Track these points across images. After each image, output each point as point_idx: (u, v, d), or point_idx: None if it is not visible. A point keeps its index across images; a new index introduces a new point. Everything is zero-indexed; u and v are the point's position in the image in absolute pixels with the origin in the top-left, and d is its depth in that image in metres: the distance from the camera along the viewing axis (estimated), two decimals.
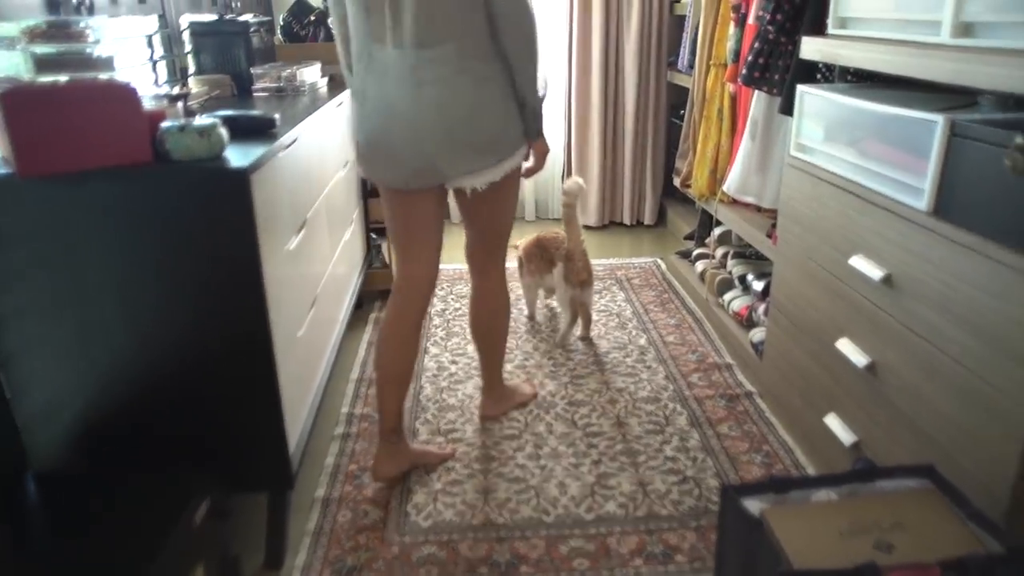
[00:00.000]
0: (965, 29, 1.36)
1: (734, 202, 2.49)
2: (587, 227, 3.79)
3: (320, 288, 1.89)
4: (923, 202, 1.36)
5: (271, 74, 2.29)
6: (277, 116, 1.60)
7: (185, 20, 2.37)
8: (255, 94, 2.28)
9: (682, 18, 3.54)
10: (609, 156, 3.71)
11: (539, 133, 1.65)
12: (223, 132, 1.30)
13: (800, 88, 1.83)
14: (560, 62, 3.64)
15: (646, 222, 3.81)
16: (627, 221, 3.81)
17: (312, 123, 1.89)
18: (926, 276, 1.36)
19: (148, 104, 1.36)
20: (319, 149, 1.99)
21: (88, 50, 1.24)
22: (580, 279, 2.30)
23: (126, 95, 1.21)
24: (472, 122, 1.51)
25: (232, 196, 1.25)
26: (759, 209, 2.37)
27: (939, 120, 1.34)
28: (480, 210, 1.72)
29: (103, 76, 1.25)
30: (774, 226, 2.17)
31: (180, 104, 1.39)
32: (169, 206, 1.24)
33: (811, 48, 1.79)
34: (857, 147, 1.63)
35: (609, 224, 3.84)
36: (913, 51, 1.42)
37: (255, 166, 1.30)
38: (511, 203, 1.76)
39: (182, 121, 1.27)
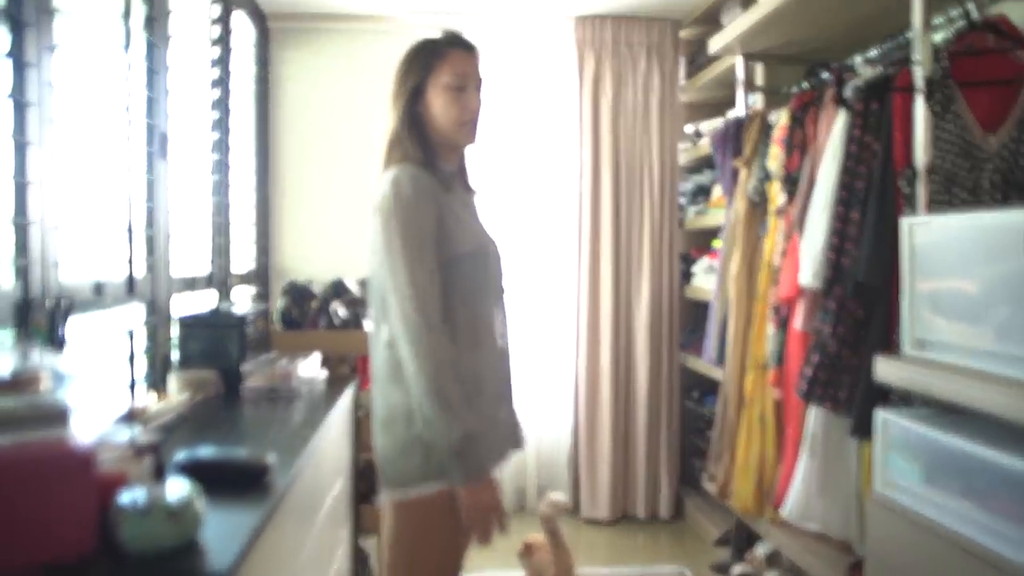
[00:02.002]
0: None
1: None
2: (597, 522, 3.38)
3: None
4: None
5: (264, 371, 2.03)
6: (271, 460, 1.29)
7: (177, 303, 2.16)
8: (244, 395, 2.00)
9: (692, 301, 3.48)
10: (620, 442, 3.41)
11: (460, 479, 1.32)
12: (200, 507, 0.98)
13: (883, 415, 1.59)
14: (569, 342, 3.48)
15: (662, 516, 3.42)
16: (641, 514, 3.41)
17: (313, 449, 1.58)
18: None
19: (106, 454, 1.06)
20: (314, 479, 1.66)
21: (39, 401, 0.95)
22: None
23: (70, 466, 0.91)
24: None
25: None
26: (820, 536, 2.02)
27: None
28: None
29: (51, 434, 0.95)
30: (853, 568, 1.82)
31: (149, 459, 1.08)
32: None
33: (889, 372, 1.58)
34: (977, 502, 1.35)
35: (622, 518, 3.43)
36: None
37: (242, 555, 0.96)
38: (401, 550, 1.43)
39: (147, 495, 0.95)
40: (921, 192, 1.66)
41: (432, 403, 1.30)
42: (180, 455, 1.31)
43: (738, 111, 2.69)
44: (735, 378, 2.46)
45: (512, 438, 1.55)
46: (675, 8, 3.35)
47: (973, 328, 1.45)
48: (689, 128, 3.45)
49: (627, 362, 3.43)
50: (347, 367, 2.47)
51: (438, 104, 1.47)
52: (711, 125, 3.07)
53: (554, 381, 3.54)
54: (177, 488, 1.02)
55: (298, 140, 3.51)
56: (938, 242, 1.52)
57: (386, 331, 1.43)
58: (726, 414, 2.53)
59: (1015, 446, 1.30)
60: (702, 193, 3.34)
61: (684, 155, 3.45)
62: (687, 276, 3.41)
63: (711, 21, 3.00)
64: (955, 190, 1.66)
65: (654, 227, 3.41)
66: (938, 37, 1.81)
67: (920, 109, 1.66)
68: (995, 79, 1.70)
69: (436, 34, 1.55)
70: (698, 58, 3.33)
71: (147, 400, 1.74)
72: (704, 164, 3.37)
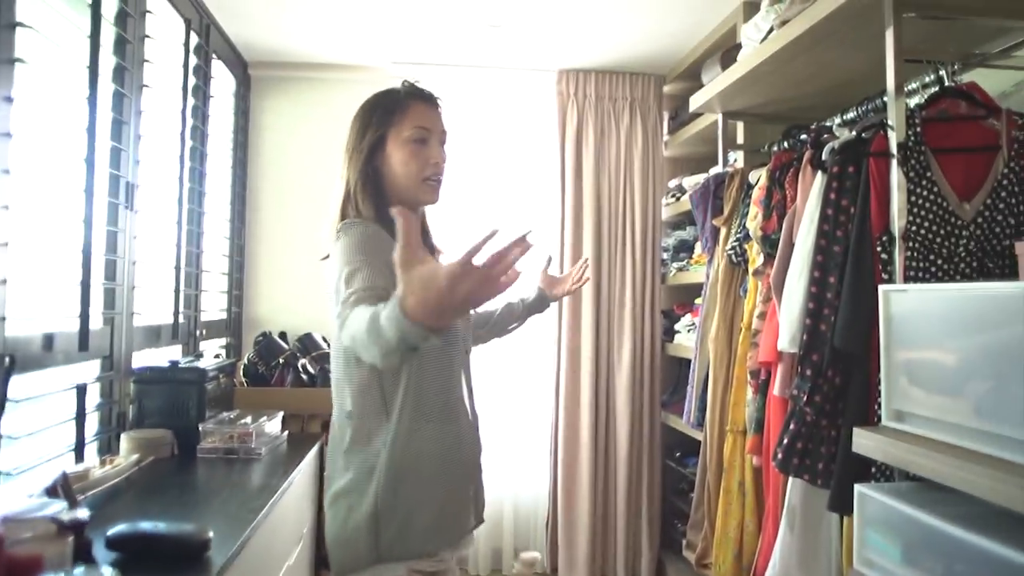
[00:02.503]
0: None
1: None
2: None
3: None
4: None
5: (222, 431, 1.95)
6: (210, 533, 1.21)
7: (139, 358, 2.09)
8: (200, 455, 1.92)
9: (674, 359, 3.42)
10: (599, 503, 3.31)
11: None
12: None
13: (860, 489, 1.52)
14: (547, 399, 3.40)
15: None
16: None
17: (266, 518, 1.50)
18: None
19: (21, 533, 0.98)
20: (267, 548, 1.57)
21: None
22: None
23: None
24: None
25: None
26: None
27: None
28: None
29: None
30: None
31: (70, 540, 1.00)
32: None
33: (867, 444, 1.51)
34: None
35: None
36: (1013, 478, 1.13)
37: None
38: None
39: None
40: (898, 259, 1.63)
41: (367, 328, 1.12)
42: (115, 528, 1.24)
43: (719, 168, 2.67)
44: (715, 443, 2.38)
45: (471, 514, 1.47)
46: (659, 64, 3.38)
47: (951, 401, 1.39)
48: (673, 183, 3.44)
49: (607, 420, 3.35)
50: (318, 425, 2.39)
51: (398, 159, 1.42)
52: (693, 181, 3.05)
53: (532, 439, 3.45)
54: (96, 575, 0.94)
55: (277, 189, 3.48)
56: (915, 311, 1.48)
57: (343, 395, 1.36)
58: (705, 480, 2.45)
59: (1000, 528, 1.23)
60: (685, 249, 3.31)
61: (667, 210, 3.43)
62: (669, 333, 3.36)
63: (694, 77, 3.01)
64: (932, 257, 1.62)
65: (636, 283, 3.37)
66: (914, 102, 1.80)
67: (895, 174, 1.63)
68: (969, 146, 1.68)
69: (396, 84, 1.50)
70: (681, 113, 3.34)
71: (91, 464, 1.66)
72: (687, 220, 3.35)
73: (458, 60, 3.36)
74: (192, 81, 2.59)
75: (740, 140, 2.74)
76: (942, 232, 1.63)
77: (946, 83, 1.75)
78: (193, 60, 2.60)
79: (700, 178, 2.89)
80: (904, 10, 1.67)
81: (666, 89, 3.52)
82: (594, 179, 3.39)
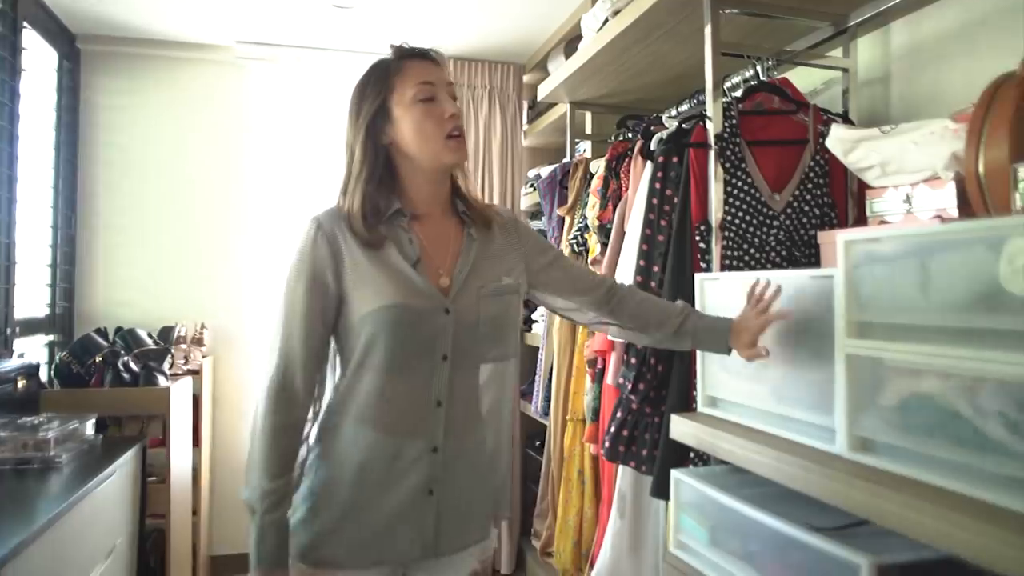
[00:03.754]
0: (863, 444, 1.15)
1: None
2: None
3: None
4: None
5: (16, 438, 1.76)
6: None
7: None
8: None
9: (533, 349, 3.43)
10: None
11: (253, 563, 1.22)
12: None
13: (675, 475, 1.55)
14: None
15: (503, 571, 3.29)
16: None
17: (57, 534, 1.35)
18: None
19: None
20: (53, 566, 1.42)
21: None
22: None
23: None
24: None
25: None
26: None
27: (862, 563, 1.05)
28: None
29: None
30: None
31: None
32: None
33: (683, 431, 1.54)
34: (752, 563, 1.32)
35: None
36: (811, 466, 1.17)
37: None
38: None
39: None
40: (715, 248, 1.67)
41: (249, 468, 1.22)
42: None
43: (568, 159, 2.68)
44: (558, 432, 2.39)
45: (412, 539, 1.27)
46: (518, 52, 3.36)
47: (755, 387, 1.44)
48: (532, 172, 3.44)
49: None
50: (136, 427, 2.22)
51: (409, 124, 1.26)
52: (548, 171, 3.05)
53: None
54: None
55: (116, 174, 3.22)
56: (725, 299, 1.52)
57: None
58: (550, 470, 2.46)
59: (795, 506, 1.28)
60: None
61: (526, 200, 3.42)
62: (528, 323, 3.36)
63: None
64: (745, 246, 1.68)
65: None
66: (737, 95, 1.85)
67: (712, 165, 1.67)
68: (781, 139, 1.74)
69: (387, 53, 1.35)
70: (539, 103, 3.34)
71: None
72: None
73: (307, 42, 3.21)
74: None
75: (588, 130, 2.76)
76: (755, 222, 1.68)
77: (761, 78, 1.81)
78: None
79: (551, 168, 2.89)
80: (722, 6, 1.71)
81: (526, 78, 3.50)
82: None
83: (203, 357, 3.06)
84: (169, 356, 2.51)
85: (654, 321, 1.45)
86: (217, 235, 3.33)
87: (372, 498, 1.25)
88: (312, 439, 1.30)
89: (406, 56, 1.32)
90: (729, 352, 1.40)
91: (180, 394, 2.56)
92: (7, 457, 1.73)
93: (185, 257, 3.28)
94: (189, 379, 2.81)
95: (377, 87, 1.29)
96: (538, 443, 3.32)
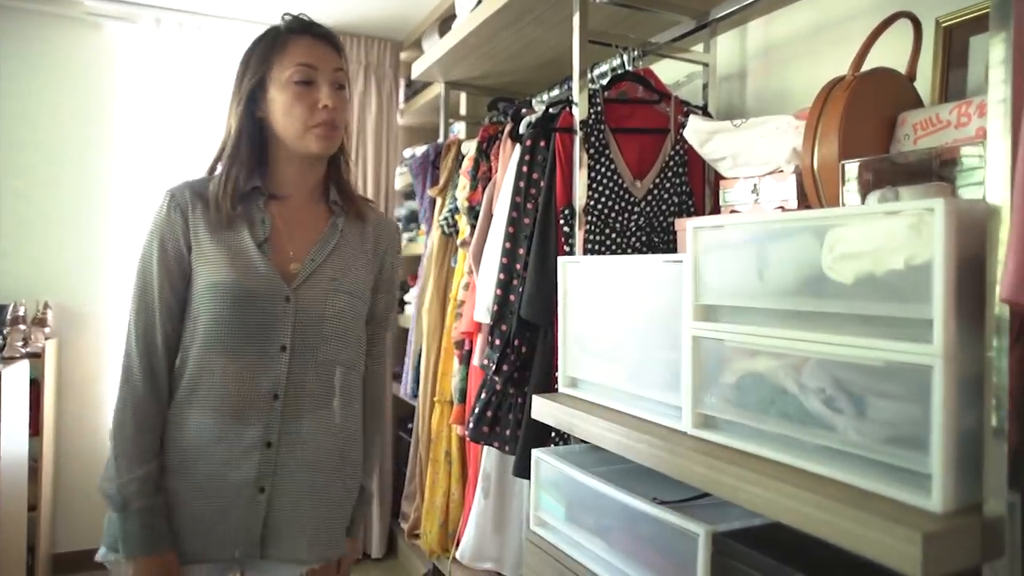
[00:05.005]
0: (705, 421, 1.21)
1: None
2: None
3: None
4: None
5: None
6: None
7: None
8: None
9: (406, 331, 3.39)
10: None
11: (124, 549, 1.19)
12: None
13: (535, 454, 1.58)
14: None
15: (373, 555, 3.26)
16: None
17: None
18: None
19: None
20: None
21: None
22: None
23: None
24: None
25: None
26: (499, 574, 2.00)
27: (700, 532, 1.12)
28: None
29: None
30: None
31: None
32: None
33: (543, 411, 1.57)
34: (605, 537, 1.37)
35: None
36: (658, 443, 1.22)
37: None
38: None
39: None
40: (578, 232, 1.70)
41: (115, 456, 1.18)
42: None
43: (441, 139, 2.65)
44: (426, 414, 2.39)
45: (236, 538, 1.21)
46: (396, 29, 3.28)
47: (612, 367, 1.49)
48: (407, 152, 3.38)
49: None
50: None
51: (280, 105, 1.23)
52: (422, 151, 3.02)
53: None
54: None
55: None
56: (586, 282, 1.55)
57: None
58: (418, 452, 2.45)
59: (644, 482, 1.33)
60: (414, 220, 3.28)
61: (400, 179, 3.37)
62: (401, 304, 3.32)
63: None
64: (607, 231, 1.72)
65: None
66: (604, 83, 1.89)
67: (578, 151, 1.70)
68: (643, 128, 1.80)
69: (279, 21, 1.28)
70: (416, 82, 3.28)
71: None
72: None
73: (171, 3, 2.99)
74: None
75: (463, 111, 2.75)
76: (617, 207, 1.73)
77: (627, 67, 1.85)
78: None
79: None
80: None
81: (403, 56, 3.44)
82: None
83: (45, 339, 2.81)
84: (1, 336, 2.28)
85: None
86: (67, 207, 3.06)
87: (200, 488, 1.20)
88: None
89: (295, 31, 1.27)
90: None
91: (13, 379, 2.34)
92: None
93: (27, 229, 3.00)
94: (26, 363, 2.58)
95: (259, 60, 1.26)
96: (409, 425, 3.30)
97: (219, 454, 1.20)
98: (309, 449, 1.25)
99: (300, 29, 1.27)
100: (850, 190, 1.17)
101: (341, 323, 1.27)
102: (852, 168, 1.16)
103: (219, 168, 1.28)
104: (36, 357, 2.68)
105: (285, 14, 1.30)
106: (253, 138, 1.26)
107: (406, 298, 3.25)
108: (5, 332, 2.43)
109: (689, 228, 1.23)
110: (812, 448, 0.99)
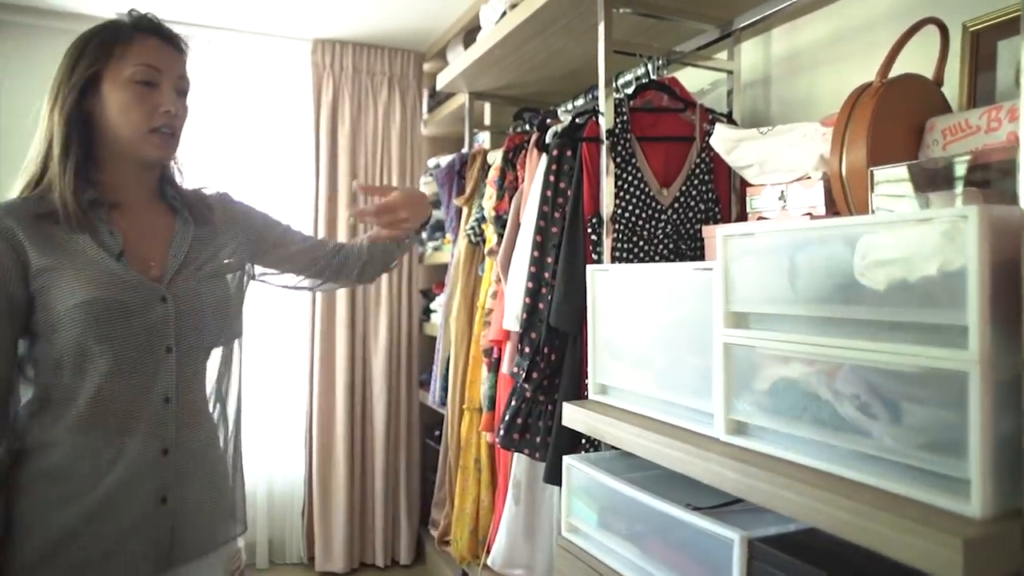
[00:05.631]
0: (737, 427, 1.22)
1: None
2: (332, 575, 3.17)
3: None
4: None
5: None
6: None
7: None
8: None
9: (433, 339, 3.42)
10: (357, 487, 3.24)
11: None
12: None
13: (567, 460, 1.59)
14: (301, 385, 3.26)
15: (402, 562, 3.29)
16: (380, 563, 3.25)
17: None
18: None
19: None
20: None
21: None
22: None
23: None
24: None
25: None
26: None
27: (735, 538, 1.12)
28: None
29: None
30: None
31: None
32: None
33: (574, 417, 1.59)
34: (637, 543, 1.38)
35: (360, 567, 3.25)
36: (690, 449, 1.23)
37: None
38: None
39: None
40: (606, 240, 1.72)
41: None
42: None
43: (466, 149, 2.69)
44: (455, 421, 2.41)
45: (145, 555, 1.16)
46: (418, 40, 3.32)
47: (642, 374, 1.50)
48: (431, 162, 3.43)
49: (363, 403, 3.28)
50: None
51: (116, 104, 1.15)
52: (447, 160, 3.05)
53: (285, 427, 3.29)
54: None
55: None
56: (615, 290, 1.57)
57: None
58: (447, 459, 2.48)
59: (677, 488, 1.34)
60: (440, 228, 3.31)
61: (425, 189, 3.41)
62: (427, 312, 3.36)
63: None
64: (635, 239, 1.74)
65: None
66: (630, 92, 1.91)
67: (604, 159, 1.72)
68: (669, 136, 1.81)
69: (123, 16, 1.20)
70: (439, 93, 3.32)
71: None
72: None
73: (202, 20, 3.05)
74: None
75: (487, 121, 2.78)
76: (644, 216, 1.74)
77: (652, 76, 1.87)
78: None
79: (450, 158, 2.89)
80: (615, 5, 1.76)
81: (426, 67, 3.48)
82: (350, 154, 3.27)
83: None
84: None
85: (352, 257, 1.55)
86: None
87: (96, 515, 1.12)
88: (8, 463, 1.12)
89: (142, 28, 1.19)
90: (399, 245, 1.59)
91: None
92: None
93: None
94: None
95: (96, 51, 1.15)
96: (436, 433, 3.33)
97: (117, 476, 1.13)
98: (200, 442, 1.25)
99: (148, 27, 1.20)
100: (879, 196, 1.17)
101: (218, 307, 1.25)
102: (881, 174, 1.17)
103: (47, 175, 1.15)
104: None
105: (132, 10, 1.21)
106: (83, 137, 1.16)
107: (432, 306, 3.29)
108: None
109: (719, 236, 1.24)
110: (847, 454, 1.00)
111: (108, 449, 1.13)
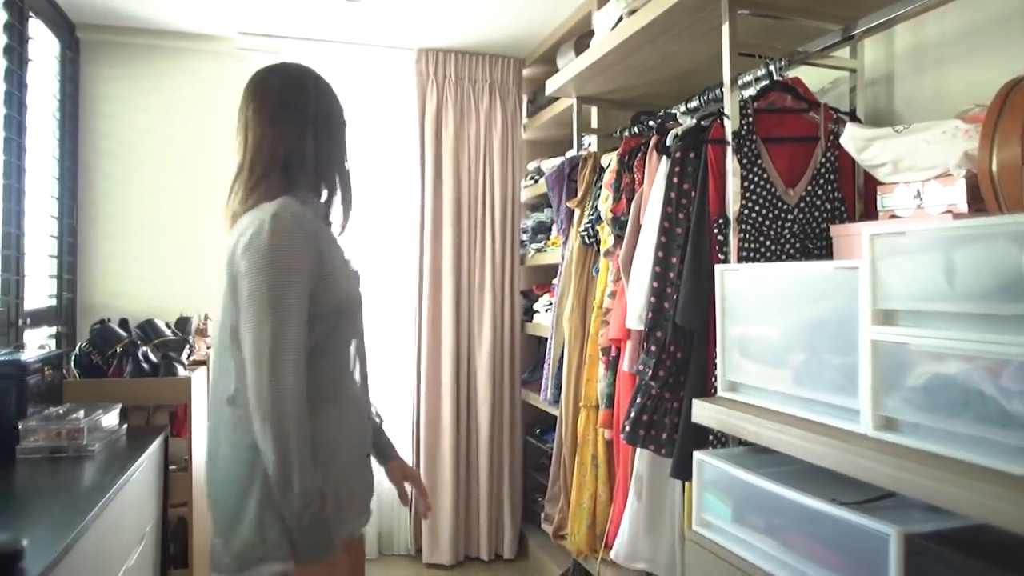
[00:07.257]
0: (887, 423, 1.23)
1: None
2: (439, 567, 3.28)
3: None
4: None
5: (48, 427, 1.79)
6: (23, 543, 1.11)
7: None
8: (21, 456, 1.75)
9: (534, 338, 3.50)
10: (462, 482, 3.34)
11: (301, 557, 1.23)
12: None
13: (698, 456, 1.63)
14: (408, 382, 3.39)
15: (505, 556, 3.37)
16: (484, 556, 3.35)
17: (96, 520, 1.39)
18: None
19: None
20: (98, 552, 1.46)
21: None
22: None
23: None
24: None
25: None
26: (651, 574, 2.05)
27: (891, 532, 1.14)
28: None
29: None
30: None
31: None
32: None
33: (705, 414, 1.62)
34: (776, 537, 1.40)
35: (464, 560, 3.35)
36: (837, 444, 1.25)
37: None
38: None
39: None
40: (732, 240, 1.74)
41: (280, 474, 1.17)
42: None
43: (574, 152, 2.74)
44: (569, 419, 2.47)
45: (367, 502, 1.51)
46: (519, 47, 3.41)
47: (776, 371, 1.52)
48: (532, 165, 3.50)
49: (468, 400, 3.38)
50: (165, 416, 2.25)
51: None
52: (550, 163, 3.12)
53: (393, 422, 3.42)
54: None
55: (115, 164, 3.21)
56: (746, 289, 1.59)
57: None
58: (561, 455, 2.54)
59: (814, 482, 1.36)
60: (543, 230, 3.38)
61: (526, 192, 3.49)
62: (529, 313, 3.43)
63: (552, 61, 3.07)
64: (761, 239, 1.75)
65: (495, 264, 3.41)
66: (748, 93, 1.92)
67: (730, 161, 1.74)
68: (793, 136, 1.82)
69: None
70: (540, 97, 3.39)
71: None
72: (545, 202, 3.43)
73: (312, 34, 3.22)
74: (3, 40, 2.33)
75: (594, 124, 2.83)
76: (771, 216, 1.76)
77: (775, 77, 1.88)
78: (3, 16, 2.33)
79: (557, 161, 2.95)
80: (738, 7, 1.78)
81: (525, 72, 3.56)
82: (454, 160, 3.39)
83: (207, 348, 3.08)
84: (188, 346, 2.53)
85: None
86: (218, 226, 3.33)
87: (356, 468, 1.46)
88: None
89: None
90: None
91: (199, 384, 2.59)
92: (41, 446, 1.76)
93: (185, 248, 3.28)
94: (204, 369, 2.84)
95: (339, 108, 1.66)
96: (537, 430, 3.41)
97: (358, 433, 1.46)
98: None
99: None
100: None
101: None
102: None
103: (324, 185, 1.46)
104: (203, 364, 2.94)
105: None
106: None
107: (535, 307, 3.36)
108: (191, 340, 2.69)
109: (865, 235, 1.26)
110: (1013, 450, 1.00)
111: (349, 416, 1.45)
